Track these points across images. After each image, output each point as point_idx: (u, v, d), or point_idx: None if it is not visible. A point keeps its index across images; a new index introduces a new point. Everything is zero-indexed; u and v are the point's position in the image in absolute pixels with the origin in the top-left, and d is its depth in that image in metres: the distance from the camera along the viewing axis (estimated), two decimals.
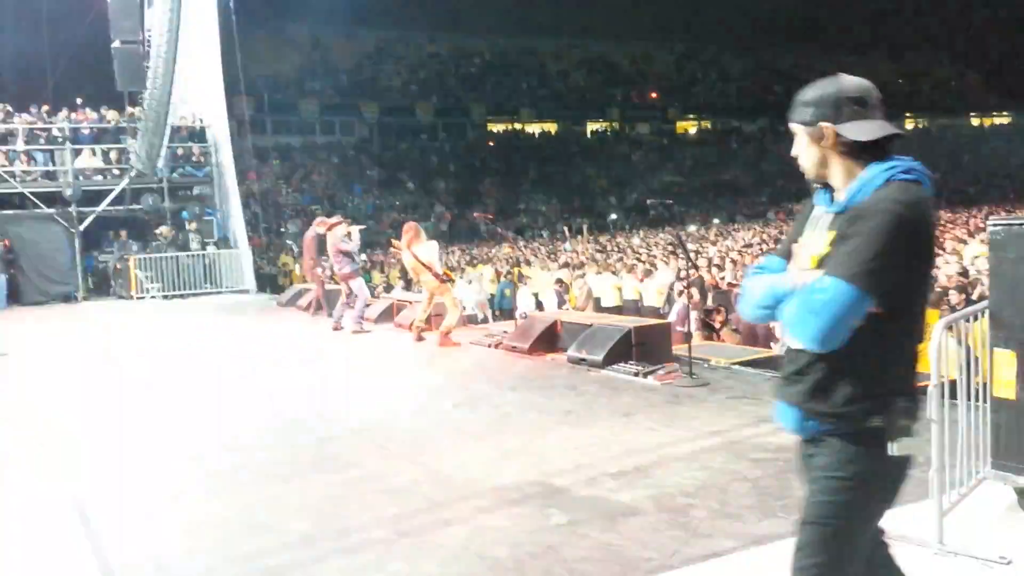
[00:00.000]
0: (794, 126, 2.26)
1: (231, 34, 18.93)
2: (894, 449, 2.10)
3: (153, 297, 17.17)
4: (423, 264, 10.09)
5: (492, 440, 5.93)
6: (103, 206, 18.26)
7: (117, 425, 6.93)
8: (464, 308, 13.06)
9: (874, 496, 2.17)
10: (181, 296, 17.43)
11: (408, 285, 15.48)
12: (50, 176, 18.49)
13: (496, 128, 50.16)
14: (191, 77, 18.81)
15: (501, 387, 7.71)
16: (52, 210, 17.95)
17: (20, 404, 8.04)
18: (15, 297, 17.30)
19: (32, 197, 17.85)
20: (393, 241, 10.73)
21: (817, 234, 2.18)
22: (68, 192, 17.71)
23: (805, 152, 2.24)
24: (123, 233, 18.81)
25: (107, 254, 18.68)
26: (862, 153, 2.14)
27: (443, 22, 51.15)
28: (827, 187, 2.24)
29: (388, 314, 12.36)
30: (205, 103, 19.92)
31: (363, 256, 12.43)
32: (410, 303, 11.90)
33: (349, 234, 11.71)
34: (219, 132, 19.70)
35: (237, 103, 19.76)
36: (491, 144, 48.51)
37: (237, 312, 14.80)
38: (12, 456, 6.13)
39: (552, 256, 22.20)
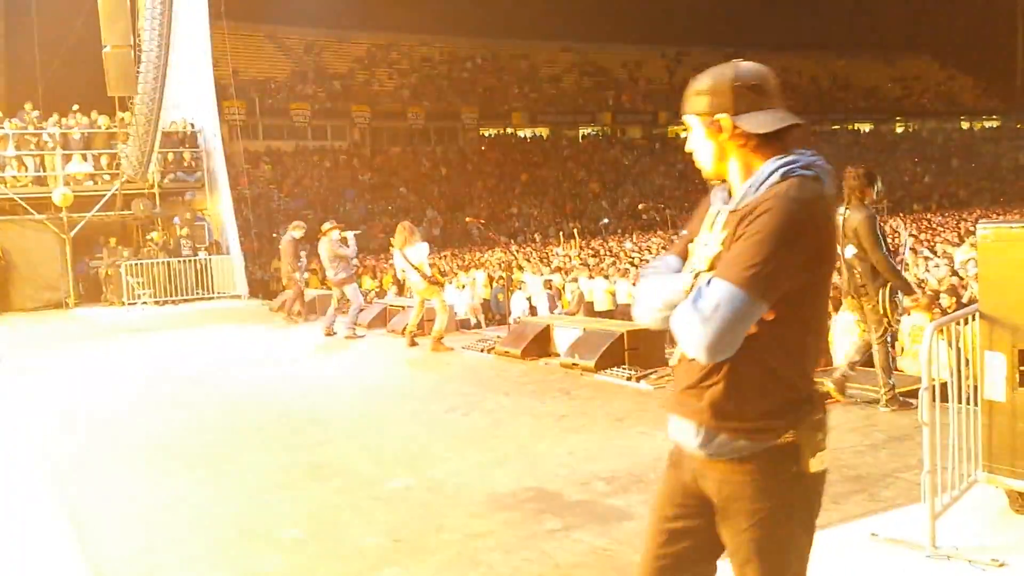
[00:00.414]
0: (688, 118, 2.07)
1: (223, 39, 18.92)
2: (813, 465, 1.95)
3: (144, 303, 17.10)
4: (412, 266, 10.09)
5: (485, 445, 5.94)
6: (94, 212, 18.20)
7: (110, 432, 6.91)
8: (456, 313, 13.06)
9: (805, 519, 2.00)
10: (173, 302, 17.37)
11: (401, 290, 15.46)
12: (40, 182, 18.43)
13: (488, 132, 50.18)
14: (183, 82, 18.76)
15: (494, 392, 7.71)
16: (43, 216, 17.89)
17: (13, 409, 7.99)
18: (5, 303, 17.22)
19: (22, 203, 17.79)
20: (392, 240, 10.74)
21: (712, 234, 2.01)
22: (57, 197, 17.62)
23: (701, 146, 2.06)
24: (113, 239, 18.75)
25: (98, 260, 18.61)
26: (761, 146, 1.97)
27: (435, 26, 51.19)
28: (725, 183, 2.08)
29: (381, 319, 12.35)
30: (197, 108, 19.88)
31: (355, 261, 12.40)
32: (403, 308, 11.89)
33: (345, 239, 11.70)
34: (211, 137, 19.66)
35: (229, 108, 19.69)
36: (483, 148, 48.52)
37: (229, 318, 14.76)
38: (4, 463, 6.11)
39: (545, 260, 22.22)
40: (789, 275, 1.85)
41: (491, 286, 16.38)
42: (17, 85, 24.84)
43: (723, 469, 1.98)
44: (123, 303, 17.19)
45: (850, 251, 6.02)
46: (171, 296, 17.48)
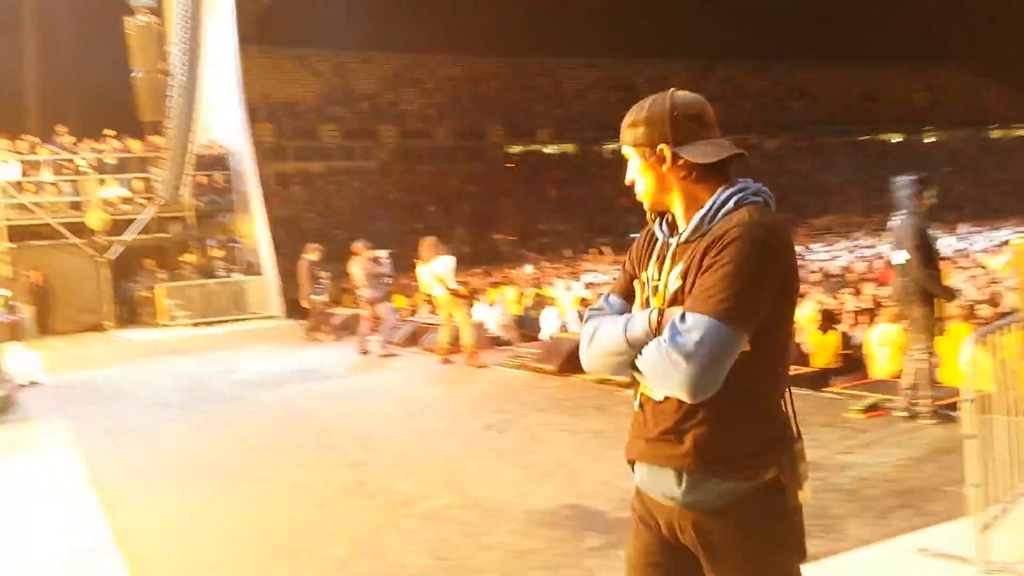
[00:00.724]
0: (627, 149, 2.03)
1: (252, 63, 19.20)
2: (800, 497, 1.89)
3: (182, 325, 17.30)
4: (437, 279, 10.17)
5: (523, 462, 5.95)
6: (130, 235, 18.49)
7: (152, 451, 7.00)
8: (488, 329, 13.09)
9: (796, 547, 1.92)
10: (209, 323, 17.54)
11: (433, 308, 15.52)
12: (77, 206, 18.76)
13: (515, 150, 50.36)
14: (214, 106, 19.06)
15: (530, 408, 7.72)
16: (80, 240, 18.20)
17: (56, 428, 8.11)
18: (45, 327, 17.50)
19: (60, 228, 18.12)
20: (417, 258, 10.86)
21: (663, 268, 1.95)
22: (93, 221, 17.95)
23: (641, 177, 2.00)
24: (150, 262, 19.02)
25: (135, 283, 18.87)
26: (705, 176, 1.93)
27: (458, 46, 51.63)
28: (663, 215, 2.02)
29: (414, 338, 12.41)
30: (228, 131, 20.16)
31: (388, 280, 12.51)
32: (435, 326, 11.93)
33: (378, 259, 11.80)
34: (242, 159, 19.92)
35: (259, 130, 19.92)
36: (510, 166, 48.70)
37: (265, 338, 14.88)
38: (48, 481, 6.20)
39: (575, 276, 22.20)
40: (765, 302, 1.80)
41: (522, 303, 16.40)
42: (48, 110, 25.30)
43: (707, 518, 1.88)
44: (161, 325, 17.40)
45: (901, 257, 6.02)
46: (207, 317, 17.65)
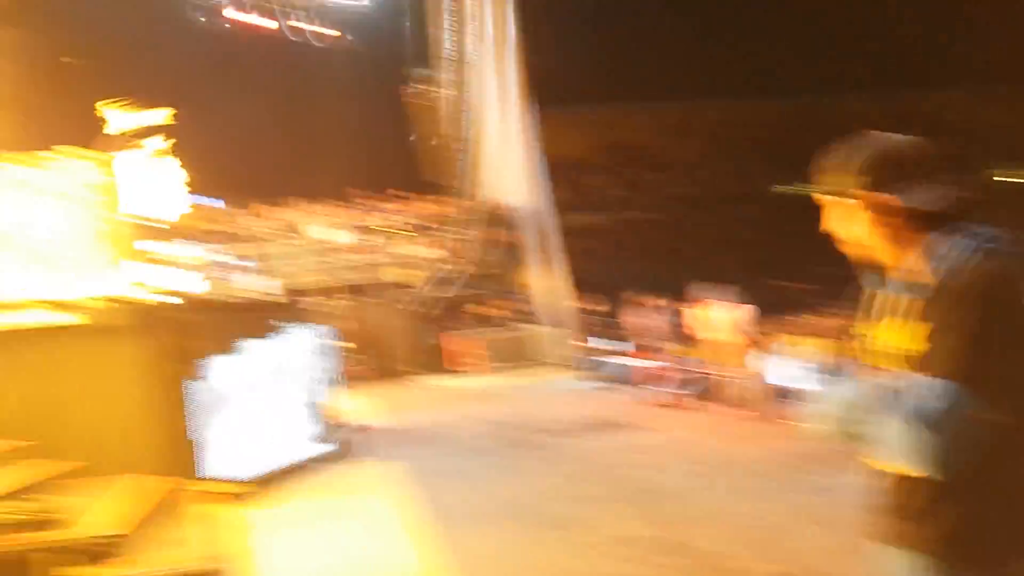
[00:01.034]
0: (833, 197, 1.91)
1: (535, 122, 20.29)
2: None
3: (478, 373, 18.33)
4: (725, 327, 10.09)
5: (841, 529, 5.64)
6: (428, 289, 20.07)
7: (468, 494, 7.41)
8: (780, 383, 12.72)
9: None
10: (506, 371, 18.35)
11: (720, 358, 15.34)
12: (380, 264, 20.71)
13: (789, 191, 48.77)
14: (498, 164, 20.29)
15: (839, 469, 7.36)
16: (386, 295, 20.03)
17: (389, 471, 8.58)
18: (365, 377, 19.26)
19: (365, 284, 20.13)
20: (691, 309, 10.86)
21: (895, 325, 1.77)
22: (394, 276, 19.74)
23: (853, 226, 1.88)
24: (448, 313, 20.48)
25: (435, 332, 20.36)
26: (930, 223, 1.76)
27: (729, 90, 51.04)
28: (876, 267, 1.87)
29: (704, 389, 12.31)
30: (513, 188, 21.33)
31: (672, 330, 12.56)
32: (725, 377, 11.78)
33: (661, 308, 11.92)
34: (528, 215, 20.95)
35: (542, 186, 20.96)
36: (792, 210, 47.15)
37: (556, 387, 15.35)
38: (386, 519, 6.78)
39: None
40: (1012, 363, 1.63)
41: (817, 352, 15.74)
42: (329, 176, 27.76)
43: None
44: (460, 372, 18.61)
45: None
46: (503, 365, 18.60)
